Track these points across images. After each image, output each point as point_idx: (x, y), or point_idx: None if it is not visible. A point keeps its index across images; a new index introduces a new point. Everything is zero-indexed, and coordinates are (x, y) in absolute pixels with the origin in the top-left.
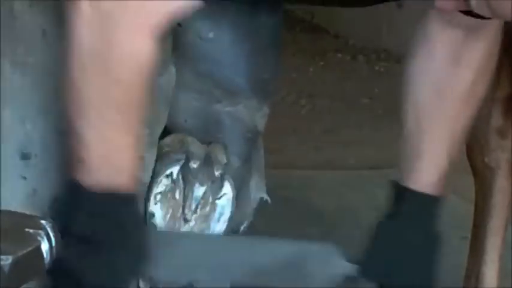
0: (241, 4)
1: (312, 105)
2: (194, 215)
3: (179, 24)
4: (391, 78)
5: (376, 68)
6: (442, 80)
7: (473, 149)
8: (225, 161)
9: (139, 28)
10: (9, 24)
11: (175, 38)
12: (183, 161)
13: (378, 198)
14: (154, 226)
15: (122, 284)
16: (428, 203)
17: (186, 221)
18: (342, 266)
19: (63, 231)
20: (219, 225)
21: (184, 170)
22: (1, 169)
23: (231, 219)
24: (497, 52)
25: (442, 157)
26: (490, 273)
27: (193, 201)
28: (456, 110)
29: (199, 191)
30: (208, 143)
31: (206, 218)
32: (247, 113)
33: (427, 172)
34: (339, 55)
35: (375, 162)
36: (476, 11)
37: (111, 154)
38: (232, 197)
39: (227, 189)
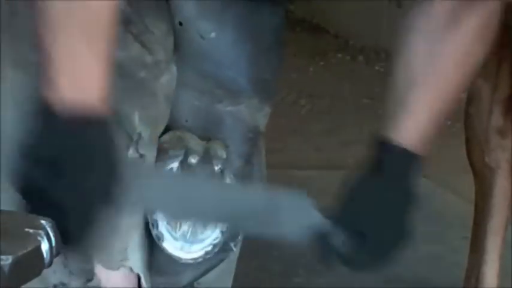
0: (244, 4)
1: (312, 105)
2: None
3: (181, 23)
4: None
5: (376, 68)
6: (438, 40)
7: (473, 149)
8: (224, 156)
9: None
10: (9, 23)
11: (177, 37)
12: (181, 156)
13: None
14: (157, 223)
15: (92, 209)
16: (406, 159)
17: None
18: (314, 217)
19: (32, 153)
20: None
21: (184, 165)
22: (1, 168)
23: None
24: (496, 23)
25: (427, 116)
26: (491, 273)
27: None
28: (448, 72)
29: None
30: (208, 139)
31: None
32: (248, 113)
33: (409, 127)
34: (339, 55)
35: None
36: None
37: (78, 73)
38: None
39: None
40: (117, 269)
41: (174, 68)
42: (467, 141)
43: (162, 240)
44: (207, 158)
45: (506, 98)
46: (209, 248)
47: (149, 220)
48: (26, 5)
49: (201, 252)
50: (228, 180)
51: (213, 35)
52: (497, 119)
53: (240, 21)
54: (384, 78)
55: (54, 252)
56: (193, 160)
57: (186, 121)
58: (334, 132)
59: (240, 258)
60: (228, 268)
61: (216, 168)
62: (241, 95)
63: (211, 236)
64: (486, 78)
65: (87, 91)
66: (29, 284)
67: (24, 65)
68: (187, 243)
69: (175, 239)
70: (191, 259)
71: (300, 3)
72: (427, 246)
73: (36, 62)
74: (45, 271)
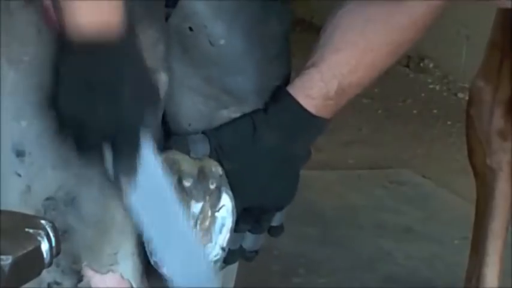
0: (253, 12)
1: None
2: (194, 231)
3: (191, 29)
4: (391, 78)
5: None
6: (375, 14)
7: (474, 151)
8: (220, 172)
9: None
10: (5, 22)
11: (186, 43)
12: (175, 181)
13: (378, 198)
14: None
15: (130, 130)
16: (301, 118)
17: None
18: None
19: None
20: (221, 236)
21: (178, 190)
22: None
23: (233, 228)
24: (429, 18)
25: (335, 79)
26: (491, 275)
27: (191, 217)
28: (373, 44)
29: (196, 207)
30: (200, 158)
31: (207, 232)
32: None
33: (316, 83)
34: None
35: (374, 162)
36: None
37: None
38: (232, 207)
39: (225, 200)
40: (106, 272)
41: (162, 75)
42: (469, 143)
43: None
44: (201, 177)
45: (508, 100)
46: (211, 265)
47: (146, 250)
48: (21, 5)
49: None
50: (225, 197)
51: (222, 42)
52: (498, 121)
53: (249, 29)
54: (384, 78)
55: (54, 252)
56: (187, 183)
57: (189, 125)
58: (334, 132)
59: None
60: (230, 270)
61: (212, 186)
62: (247, 101)
63: (212, 253)
64: (487, 80)
65: (104, 14)
66: (27, 284)
67: (17, 64)
68: None
69: None
70: None
71: (300, 3)
72: (427, 246)
73: (29, 61)
74: None
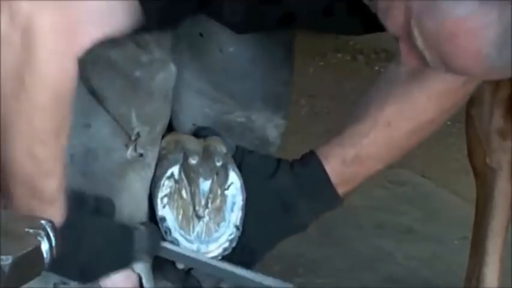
0: None
1: (312, 105)
2: (206, 210)
3: (201, 35)
4: None
5: (376, 68)
6: (396, 91)
7: (474, 150)
8: (224, 151)
9: (65, 51)
10: None
11: (196, 48)
12: (181, 160)
13: (378, 199)
14: (169, 230)
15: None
16: (320, 180)
17: (199, 217)
18: None
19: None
20: (234, 215)
21: (185, 168)
22: None
23: (244, 207)
24: (458, 95)
25: (356, 147)
26: (491, 275)
27: (202, 196)
28: (390, 118)
29: (205, 185)
30: (204, 137)
31: (219, 211)
32: (258, 123)
33: (333, 147)
34: (339, 55)
35: None
36: (433, 66)
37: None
38: (241, 185)
39: (233, 177)
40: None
41: (171, 66)
42: (469, 142)
43: (178, 246)
44: (206, 155)
45: (507, 99)
46: (226, 245)
47: (161, 229)
48: None
49: (219, 250)
50: (232, 175)
51: (231, 49)
52: (498, 120)
53: (258, 38)
54: None
55: (54, 252)
56: (193, 161)
57: (193, 125)
58: (334, 132)
59: None
60: None
61: (218, 164)
62: (253, 107)
63: (226, 232)
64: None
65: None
66: (30, 283)
67: None
68: (203, 244)
69: (190, 241)
70: (210, 258)
71: None
72: (427, 246)
73: None
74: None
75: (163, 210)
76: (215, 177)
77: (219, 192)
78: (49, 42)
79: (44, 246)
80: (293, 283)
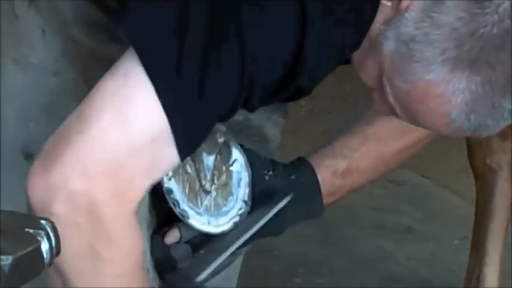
0: None
1: (312, 105)
2: (213, 186)
3: None
4: None
5: None
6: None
7: (474, 151)
8: (224, 129)
9: (127, 212)
10: (11, 23)
11: None
12: None
13: (378, 198)
14: (177, 202)
15: None
16: (311, 184)
17: (206, 192)
18: None
19: None
20: (241, 190)
21: None
22: (4, 169)
23: (250, 183)
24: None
25: (347, 159)
26: (491, 275)
27: (207, 171)
28: (380, 134)
29: (208, 160)
30: None
31: (226, 186)
32: (256, 121)
33: (326, 158)
34: None
35: None
36: (402, 120)
37: None
38: (245, 162)
39: (236, 154)
40: None
41: None
42: (469, 143)
43: (188, 218)
44: None
45: None
46: (237, 219)
47: (169, 200)
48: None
49: (230, 224)
50: (235, 151)
51: None
52: None
53: None
54: None
55: (54, 252)
56: None
57: None
58: (334, 132)
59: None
60: (233, 270)
61: (220, 140)
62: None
63: (235, 206)
64: None
65: None
66: (31, 283)
67: (25, 66)
68: (212, 217)
69: (200, 214)
70: (221, 232)
71: None
72: (427, 246)
73: (37, 63)
74: None
75: (170, 182)
76: (218, 154)
77: (223, 168)
78: (114, 212)
79: (44, 246)
80: (293, 283)
